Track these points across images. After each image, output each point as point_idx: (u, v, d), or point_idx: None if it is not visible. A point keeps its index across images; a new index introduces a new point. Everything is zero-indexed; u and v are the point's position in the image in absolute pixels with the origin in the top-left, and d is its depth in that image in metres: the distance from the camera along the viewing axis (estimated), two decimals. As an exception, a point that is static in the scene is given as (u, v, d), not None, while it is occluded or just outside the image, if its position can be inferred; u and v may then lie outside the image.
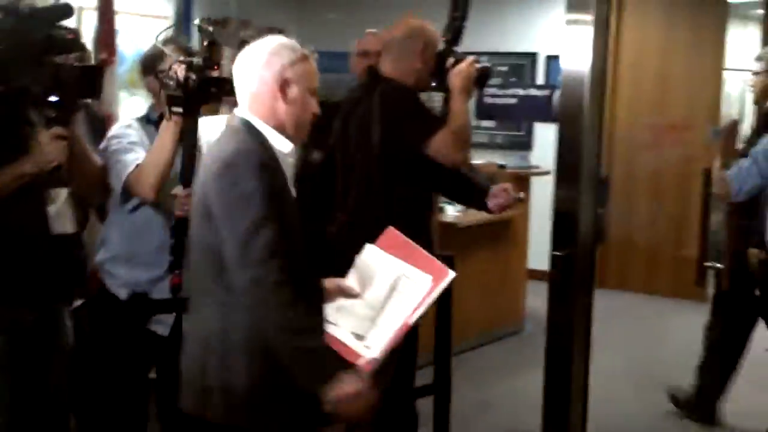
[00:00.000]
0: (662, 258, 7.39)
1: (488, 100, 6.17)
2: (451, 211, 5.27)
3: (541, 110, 5.96)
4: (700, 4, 7.41)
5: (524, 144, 7.96)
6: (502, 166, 6.29)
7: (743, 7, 8.61)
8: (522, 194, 3.59)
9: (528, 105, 5.99)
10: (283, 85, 2.09)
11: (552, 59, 7.75)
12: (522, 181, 6.01)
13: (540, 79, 7.92)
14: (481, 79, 3.30)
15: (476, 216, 4.75)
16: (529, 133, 7.98)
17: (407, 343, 2.57)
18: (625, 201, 7.26)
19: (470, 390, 4.71)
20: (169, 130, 2.67)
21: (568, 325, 2.79)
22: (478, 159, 6.07)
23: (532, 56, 7.97)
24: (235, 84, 2.14)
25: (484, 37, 8.08)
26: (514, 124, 7.90)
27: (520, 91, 6.17)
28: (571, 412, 2.85)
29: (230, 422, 2.06)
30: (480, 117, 6.68)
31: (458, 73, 3.19)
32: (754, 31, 9.63)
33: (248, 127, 2.09)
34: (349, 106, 3.36)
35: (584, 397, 2.90)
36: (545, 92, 6.00)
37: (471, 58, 3.22)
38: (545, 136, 7.52)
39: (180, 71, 2.58)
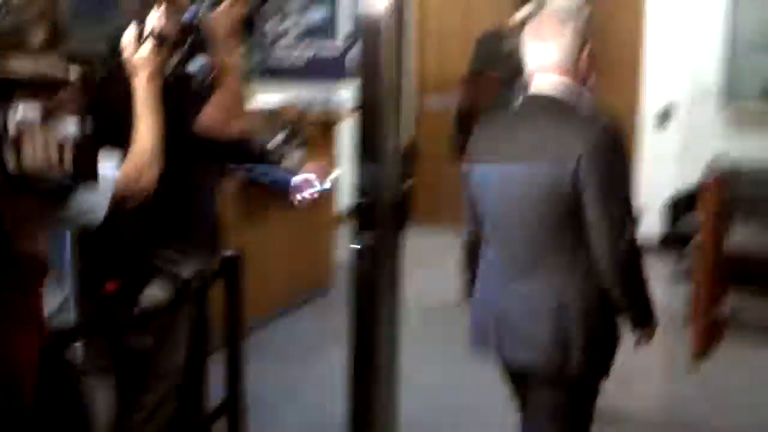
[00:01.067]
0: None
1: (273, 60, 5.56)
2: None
3: (334, 69, 5.45)
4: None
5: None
6: (303, 113, 5.63)
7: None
8: (329, 183, 3.15)
9: (320, 65, 5.42)
10: None
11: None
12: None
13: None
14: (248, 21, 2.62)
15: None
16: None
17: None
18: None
19: (273, 373, 4.18)
20: None
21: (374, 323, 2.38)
22: (282, 93, 5.48)
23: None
24: None
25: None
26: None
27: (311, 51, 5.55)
28: (376, 395, 2.43)
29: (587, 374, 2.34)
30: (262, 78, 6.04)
31: (218, 16, 2.50)
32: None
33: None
34: None
35: (392, 376, 2.46)
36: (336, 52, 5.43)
37: None
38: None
39: None
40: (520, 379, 2.51)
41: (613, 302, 2.31)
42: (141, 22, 2.34)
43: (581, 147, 2.19)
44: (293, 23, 7.18)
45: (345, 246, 2.44)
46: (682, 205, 5.76)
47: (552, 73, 2.32)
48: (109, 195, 2.08)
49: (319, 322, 5.07)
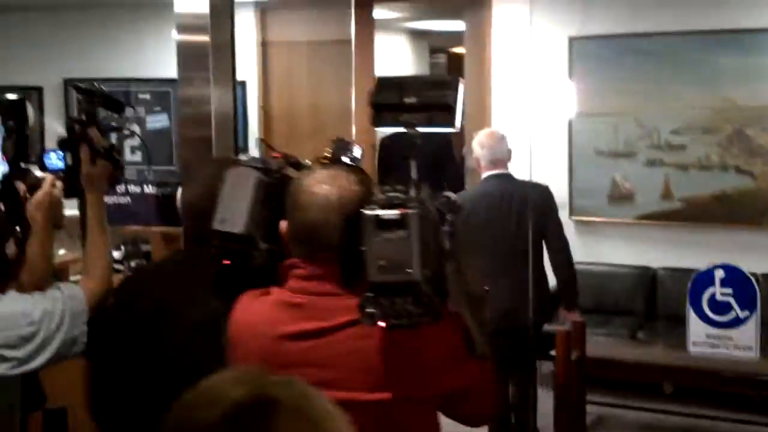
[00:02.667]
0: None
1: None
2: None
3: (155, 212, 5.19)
4: (343, 18, 7.05)
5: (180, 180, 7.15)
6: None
7: (390, 21, 8.61)
8: None
9: (144, 206, 5.14)
10: None
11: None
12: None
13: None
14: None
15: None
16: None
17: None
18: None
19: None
20: None
21: None
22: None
23: (176, 82, 7.16)
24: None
25: (120, 62, 7.28)
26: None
27: (137, 190, 5.25)
28: None
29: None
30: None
31: (37, 205, 2.30)
32: (400, 42, 9.74)
33: None
34: None
35: None
36: (166, 190, 5.19)
37: (49, 177, 2.33)
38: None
39: None
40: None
41: (562, 290, 4.55)
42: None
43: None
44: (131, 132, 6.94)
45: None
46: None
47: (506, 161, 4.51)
48: (85, 320, 2.12)
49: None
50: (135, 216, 5.09)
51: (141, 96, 7.32)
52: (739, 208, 5.82)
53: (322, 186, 1.71)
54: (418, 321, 1.54)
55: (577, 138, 6.16)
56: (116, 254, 5.38)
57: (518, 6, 6.30)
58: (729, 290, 4.55)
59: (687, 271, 5.86)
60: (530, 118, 6.30)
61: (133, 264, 5.41)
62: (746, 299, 4.48)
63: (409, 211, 1.53)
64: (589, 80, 6.08)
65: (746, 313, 4.48)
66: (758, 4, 5.66)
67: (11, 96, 2.26)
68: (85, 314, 2.13)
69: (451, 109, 1.70)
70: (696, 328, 4.61)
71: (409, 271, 1.51)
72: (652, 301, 5.98)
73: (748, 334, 4.47)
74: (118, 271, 5.28)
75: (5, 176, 2.29)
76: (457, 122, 1.74)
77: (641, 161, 6.02)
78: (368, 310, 1.54)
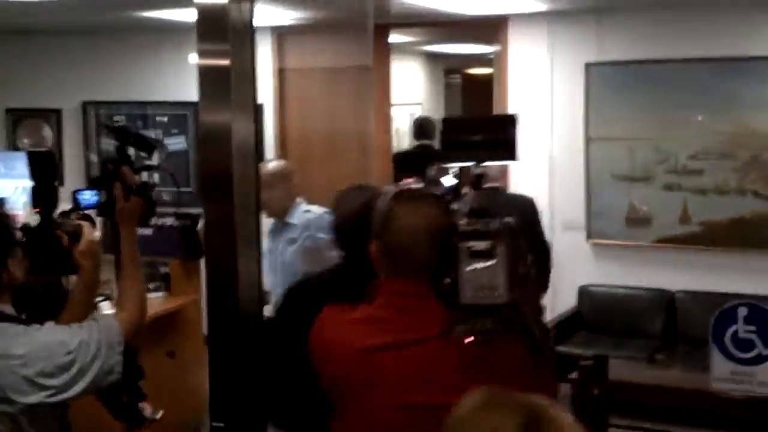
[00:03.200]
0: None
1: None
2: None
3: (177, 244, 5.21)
4: (361, 45, 7.09)
5: (196, 202, 7.17)
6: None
7: (405, 45, 8.65)
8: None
9: (165, 238, 5.14)
10: None
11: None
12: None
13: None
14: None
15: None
16: (198, 189, 7.22)
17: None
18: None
19: None
20: None
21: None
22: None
23: (193, 105, 7.23)
24: None
25: (138, 85, 7.35)
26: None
27: (156, 222, 5.22)
28: None
29: None
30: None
31: (85, 254, 2.35)
32: (414, 66, 9.78)
33: None
34: None
35: None
36: (186, 222, 5.21)
37: (87, 225, 2.39)
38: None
39: None
40: None
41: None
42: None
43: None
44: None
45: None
46: (563, 327, 5.96)
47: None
48: (120, 350, 2.18)
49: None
50: (156, 248, 5.12)
51: (159, 119, 7.37)
52: (757, 232, 5.80)
53: (413, 216, 1.92)
54: (501, 334, 1.77)
55: (594, 162, 6.17)
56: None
57: (535, 31, 6.33)
58: (752, 327, 4.53)
59: (705, 294, 5.87)
60: (548, 142, 6.31)
61: (151, 287, 5.41)
62: None
63: (498, 242, 1.76)
64: (606, 105, 6.09)
65: None
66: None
67: (39, 149, 2.32)
68: (120, 345, 2.18)
69: (511, 144, 1.92)
70: (719, 365, 4.57)
71: (497, 294, 1.74)
72: (671, 324, 5.96)
73: None
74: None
75: (43, 227, 2.33)
76: (518, 156, 1.99)
77: (658, 185, 6.01)
78: (459, 327, 1.75)
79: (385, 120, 7.16)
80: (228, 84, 1.96)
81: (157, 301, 5.28)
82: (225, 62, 1.96)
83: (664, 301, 5.96)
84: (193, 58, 2.04)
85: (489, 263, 1.74)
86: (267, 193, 3.99)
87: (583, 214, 6.19)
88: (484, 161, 1.86)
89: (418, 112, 8.93)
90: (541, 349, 1.96)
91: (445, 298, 1.84)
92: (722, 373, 4.57)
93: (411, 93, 9.34)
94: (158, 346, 4.93)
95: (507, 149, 1.88)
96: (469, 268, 1.74)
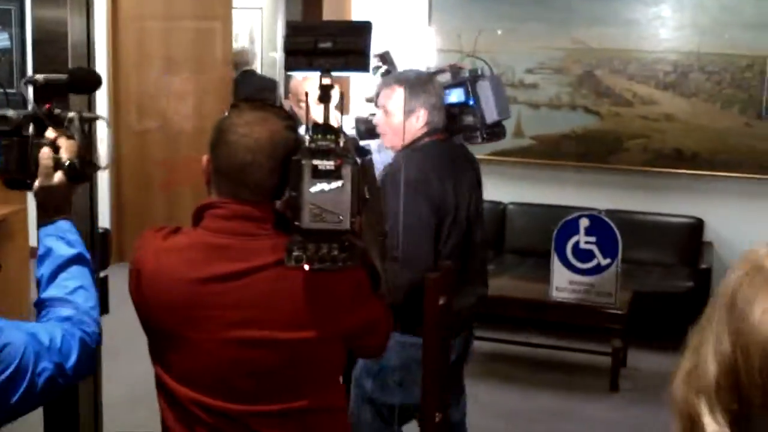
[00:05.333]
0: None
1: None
2: None
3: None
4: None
5: (20, 101, 6.76)
6: None
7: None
8: None
9: None
10: None
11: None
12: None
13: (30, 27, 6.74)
14: None
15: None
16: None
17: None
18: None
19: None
20: None
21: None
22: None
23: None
24: None
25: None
26: None
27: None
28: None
29: None
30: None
31: None
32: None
33: None
34: None
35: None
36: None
37: None
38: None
39: None
40: None
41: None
42: None
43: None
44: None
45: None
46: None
47: None
48: None
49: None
50: None
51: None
52: (586, 146, 6.04)
53: (252, 127, 1.73)
54: (343, 266, 1.60)
55: (434, 76, 6.19)
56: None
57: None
58: (593, 238, 4.71)
59: (535, 206, 6.10)
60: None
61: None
62: (609, 248, 4.65)
63: (346, 162, 1.59)
64: (448, 22, 6.10)
65: (608, 260, 4.66)
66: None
67: None
68: None
69: (364, 54, 1.74)
70: (560, 275, 4.76)
71: (341, 219, 1.58)
72: (501, 235, 6.16)
73: (609, 281, 4.66)
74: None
75: None
76: (370, 66, 1.79)
77: (495, 99, 6.13)
78: (295, 253, 1.59)
79: (226, 26, 6.90)
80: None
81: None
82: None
83: (497, 213, 6.15)
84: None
85: (334, 185, 1.58)
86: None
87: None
88: (331, 70, 1.68)
89: (258, 17, 8.65)
90: (380, 282, 1.87)
91: (283, 222, 1.72)
92: (562, 283, 4.77)
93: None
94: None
95: (358, 59, 1.71)
96: (312, 189, 1.58)
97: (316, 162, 1.58)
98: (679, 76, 5.79)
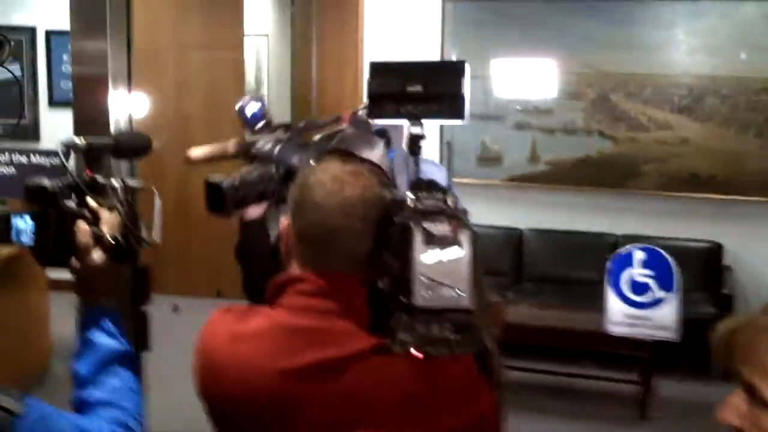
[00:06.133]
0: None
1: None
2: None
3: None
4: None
5: (29, 133, 6.77)
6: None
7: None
8: None
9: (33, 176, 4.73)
10: None
11: (55, 35, 6.65)
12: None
13: (41, 59, 6.77)
14: None
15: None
16: (36, 121, 6.80)
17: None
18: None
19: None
20: None
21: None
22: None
23: (30, 31, 6.76)
24: None
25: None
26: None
27: (23, 159, 4.84)
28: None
29: None
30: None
31: None
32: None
33: None
34: None
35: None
36: (55, 160, 4.79)
37: None
38: (56, 122, 6.49)
39: None
40: None
41: None
42: None
43: None
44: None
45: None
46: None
47: None
48: None
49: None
50: (20, 187, 4.74)
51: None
52: (602, 171, 6.02)
53: (342, 184, 1.44)
54: (459, 350, 1.32)
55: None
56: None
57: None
58: (649, 272, 4.66)
59: (552, 233, 6.07)
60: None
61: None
62: (666, 280, 4.61)
63: (462, 226, 1.31)
64: (461, 44, 6.10)
65: (663, 293, 4.61)
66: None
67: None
68: None
69: (459, 98, 1.51)
70: (614, 308, 4.71)
71: (459, 294, 1.29)
72: (518, 262, 6.12)
73: (667, 314, 4.60)
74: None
75: None
76: (466, 112, 1.53)
77: (510, 124, 6.12)
78: (401, 336, 1.30)
79: (238, 51, 6.91)
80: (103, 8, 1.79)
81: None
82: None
83: (513, 238, 6.11)
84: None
85: (451, 253, 1.30)
86: None
87: (437, 152, 6.23)
88: (423, 118, 1.47)
89: (264, 45, 8.66)
90: (492, 368, 1.54)
91: (375, 298, 1.41)
92: (618, 317, 4.71)
93: (257, 23, 9.02)
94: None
95: (453, 104, 1.47)
96: (425, 259, 1.29)
97: (427, 225, 1.30)
98: (694, 99, 5.78)
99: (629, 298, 4.68)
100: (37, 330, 5.03)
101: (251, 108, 4.03)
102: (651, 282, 4.64)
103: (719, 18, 5.64)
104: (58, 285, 4.97)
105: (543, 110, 6.05)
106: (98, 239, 1.55)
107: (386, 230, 1.37)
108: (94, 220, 1.57)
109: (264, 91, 7.77)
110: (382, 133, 1.83)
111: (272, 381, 1.42)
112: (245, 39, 6.98)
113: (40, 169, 4.70)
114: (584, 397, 5.09)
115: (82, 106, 1.99)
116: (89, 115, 1.98)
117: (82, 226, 1.55)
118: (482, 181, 6.22)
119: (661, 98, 5.85)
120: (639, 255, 4.69)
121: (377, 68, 1.60)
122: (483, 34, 6.06)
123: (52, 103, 6.81)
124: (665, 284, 4.62)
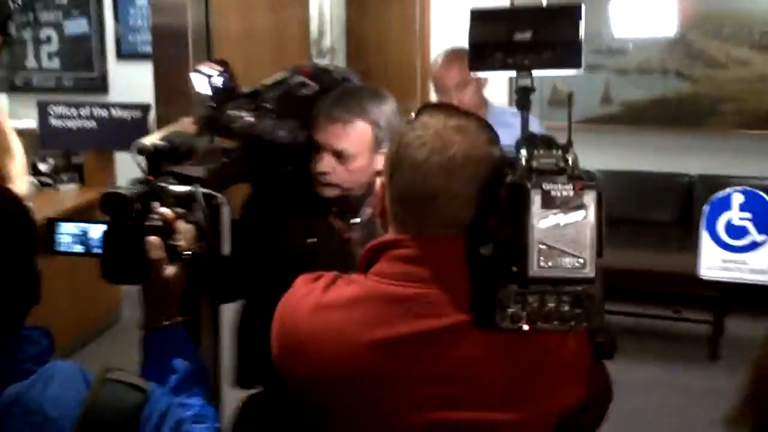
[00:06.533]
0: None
1: (55, 122, 4.87)
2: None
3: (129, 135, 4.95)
4: None
5: (98, 86, 6.84)
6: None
7: None
8: None
9: (112, 129, 4.81)
10: None
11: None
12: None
13: (108, 13, 6.80)
14: None
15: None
16: (104, 74, 6.87)
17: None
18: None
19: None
20: None
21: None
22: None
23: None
24: None
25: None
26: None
27: (103, 113, 4.90)
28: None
29: None
30: (46, 146, 5.05)
31: None
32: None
33: None
34: None
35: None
36: (136, 113, 4.84)
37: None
38: (124, 75, 6.54)
39: None
40: None
41: None
42: None
43: None
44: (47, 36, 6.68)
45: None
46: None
47: None
48: None
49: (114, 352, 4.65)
50: (100, 140, 4.85)
51: (58, 0, 6.91)
52: (678, 111, 5.88)
53: (445, 141, 1.30)
54: (577, 326, 1.22)
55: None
56: (43, 167, 5.13)
57: None
58: (747, 215, 4.55)
59: (624, 174, 5.96)
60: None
61: (64, 177, 5.15)
62: (764, 223, 4.50)
63: (587, 186, 1.19)
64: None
65: (764, 237, 4.51)
66: None
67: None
68: None
69: (576, 45, 1.38)
70: (709, 253, 4.61)
71: (581, 263, 1.17)
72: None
73: (765, 258, 4.50)
74: (46, 184, 5.04)
75: None
76: (583, 62, 1.38)
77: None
78: (511, 309, 1.20)
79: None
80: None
81: (70, 193, 5.05)
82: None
83: (587, 180, 6.01)
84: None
85: (573, 217, 1.17)
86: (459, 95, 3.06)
87: (506, 95, 6.14)
88: (534, 69, 1.32)
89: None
90: (607, 352, 1.44)
91: (477, 266, 1.28)
92: (713, 262, 4.61)
93: None
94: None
95: (569, 53, 1.32)
96: (542, 224, 1.17)
97: (547, 186, 1.18)
98: (775, 35, 5.58)
99: (725, 242, 4.59)
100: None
101: (218, 79, 3.97)
102: (749, 225, 4.54)
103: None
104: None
105: (616, 50, 5.91)
106: (173, 253, 1.44)
107: (495, 192, 1.24)
108: (168, 231, 1.45)
109: (327, 43, 7.72)
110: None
111: (361, 353, 1.31)
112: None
113: (120, 123, 4.78)
114: (654, 338, 5.04)
115: (160, 57, 1.96)
116: (167, 68, 1.95)
117: (154, 240, 1.44)
118: (553, 123, 6.10)
119: (740, 35, 5.66)
120: (738, 198, 4.58)
121: (480, 15, 1.49)
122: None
123: (120, 55, 6.86)
124: (763, 227, 4.52)
